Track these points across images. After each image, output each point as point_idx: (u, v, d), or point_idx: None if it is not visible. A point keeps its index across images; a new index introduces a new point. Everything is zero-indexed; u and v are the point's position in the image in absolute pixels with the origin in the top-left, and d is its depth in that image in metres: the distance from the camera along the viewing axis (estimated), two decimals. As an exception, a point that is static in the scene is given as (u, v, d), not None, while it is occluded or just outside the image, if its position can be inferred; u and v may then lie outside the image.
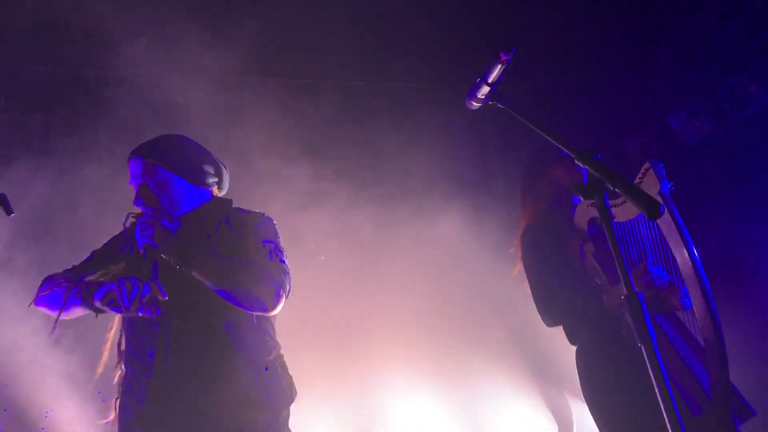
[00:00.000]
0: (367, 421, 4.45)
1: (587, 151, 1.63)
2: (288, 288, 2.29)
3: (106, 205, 3.95)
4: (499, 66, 1.92)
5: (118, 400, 2.30)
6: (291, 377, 2.42)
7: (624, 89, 4.90)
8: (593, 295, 2.49)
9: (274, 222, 2.45)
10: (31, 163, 4.03)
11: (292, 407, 2.39)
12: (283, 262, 2.33)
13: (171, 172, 2.33)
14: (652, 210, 1.45)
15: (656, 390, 1.42)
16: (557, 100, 4.70)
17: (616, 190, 1.53)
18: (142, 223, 2.20)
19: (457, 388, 4.54)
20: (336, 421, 4.36)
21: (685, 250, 2.07)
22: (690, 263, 2.05)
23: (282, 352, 2.43)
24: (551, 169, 2.73)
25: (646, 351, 1.46)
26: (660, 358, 1.43)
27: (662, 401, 1.41)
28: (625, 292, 1.51)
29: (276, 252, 2.33)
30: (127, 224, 2.36)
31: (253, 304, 2.22)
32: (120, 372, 2.33)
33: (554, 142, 1.76)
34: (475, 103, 2.05)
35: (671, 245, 2.14)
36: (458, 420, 4.53)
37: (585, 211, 2.48)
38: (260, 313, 2.28)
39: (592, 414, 2.53)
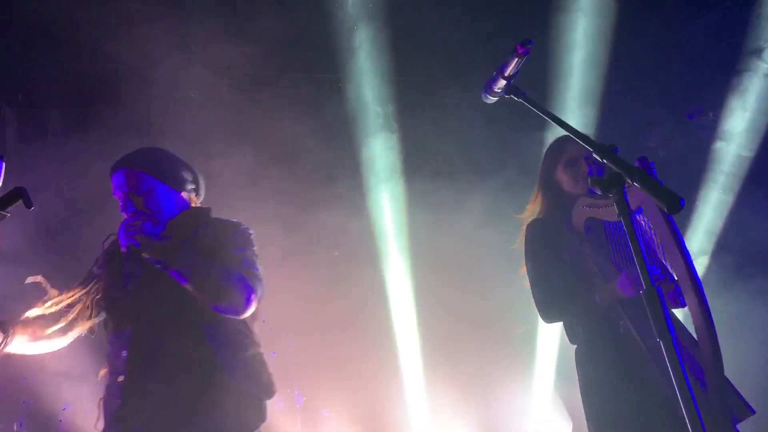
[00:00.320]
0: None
1: (605, 144, 1.61)
2: (260, 294, 2.38)
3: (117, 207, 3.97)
4: (516, 59, 1.91)
5: (102, 400, 2.38)
6: (270, 374, 2.48)
7: (643, 82, 4.85)
8: (590, 295, 2.50)
9: (251, 232, 2.55)
10: (47, 158, 4.07)
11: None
12: (257, 269, 2.43)
13: (155, 179, 2.46)
14: (673, 203, 1.43)
15: (675, 385, 1.41)
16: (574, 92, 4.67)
17: (635, 183, 1.51)
18: (127, 224, 2.29)
19: (471, 383, 4.53)
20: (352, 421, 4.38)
21: (678, 250, 2.06)
22: (682, 262, 2.04)
23: (261, 350, 2.50)
24: (556, 174, 2.73)
25: (664, 345, 1.44)
26: (679, 353, 1.41)
27: (681, 397, 1.40)
28: (644, 289, 1.49)
29: (250, 260, 2.44)
30: (106, 245, 2.50)
31: (225, 306, 2.30)
32: (104, 372, 2.43)
33: (572, 135, 1.74)
34: (491, 97, 2.04)
35: (664, 245, 2.14)
36: (472, 416, 4.52)
37: (582, 212, 2.50)
38: (231, 316, 2.36)
39: (585, 412, 2.54)
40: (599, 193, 1.53)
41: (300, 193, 4.57)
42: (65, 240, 4.06)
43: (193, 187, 2.59)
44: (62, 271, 3.93)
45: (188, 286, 2.26)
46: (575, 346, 2.67)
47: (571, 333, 2.67)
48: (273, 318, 4.41)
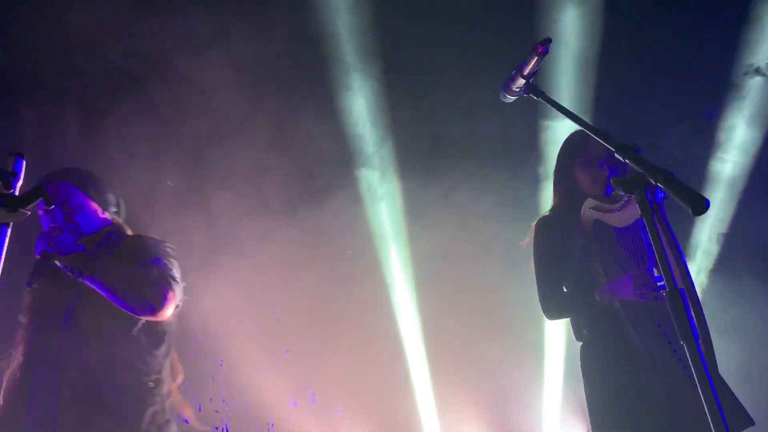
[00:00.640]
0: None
1: (628, 144, 1.60)
2: (178, 296, 2.44)
3: (139, 198, 3.98)
4: (536, 58, 1.90)
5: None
6: (166, 404, 2.52)
7: (662, 82, 4.81)
8: (590, 293, 2.51)
9: (169, 245, 2.66)
10: (65, 157, 4.09)
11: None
12: (174, 275, 2.50)
13: (87, 197, 2.61)
14: (698, 205, 1.41)
15: (699, 389, 1.39)
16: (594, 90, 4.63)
17: (659, 184, 1.49)
18: (46, 233, 2.40)
19: (483, 383, 4.52)
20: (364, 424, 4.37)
21: (676, 259, 2.06)
22: (681, 271, 2.03)
23: (164, 376, 2.53)
24: (573, 171, 2.70)
25: (688, 348, 1.42)
26: (703, 357, 1.39)
27: (705, 401, 1.38)
28: (667, 290, 1.47)
29: (167, 266, 2.52)
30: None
31: (142, 306, 2.37)
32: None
33: (593, 134, 1.73)
34: (509, 96, 2.03)
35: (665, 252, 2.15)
36: (484, 416, 4.50)
37: (590, 213, 2.51)
38: (150, 317, 2.42)
39: (587, 408, 2.55)
40: (621, 193, 1.51)
41: (314, 193, 4.56)
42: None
43: (115, 210, 2.75)
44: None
45: (104, 291, 2.33)
46: (581, 344, 2.66)
47: (576, 331, 2.68)
48: (286, 317, 4.43)
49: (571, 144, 2.74)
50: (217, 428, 4.17)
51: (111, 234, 2.62)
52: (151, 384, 2.46)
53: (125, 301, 2.35)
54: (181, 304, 2.52)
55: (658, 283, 2.33)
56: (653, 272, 2.37)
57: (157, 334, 2.52)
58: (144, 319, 2.45)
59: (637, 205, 2.19)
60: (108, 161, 4.13)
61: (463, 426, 4.49)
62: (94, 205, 2.63)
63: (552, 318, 2.70)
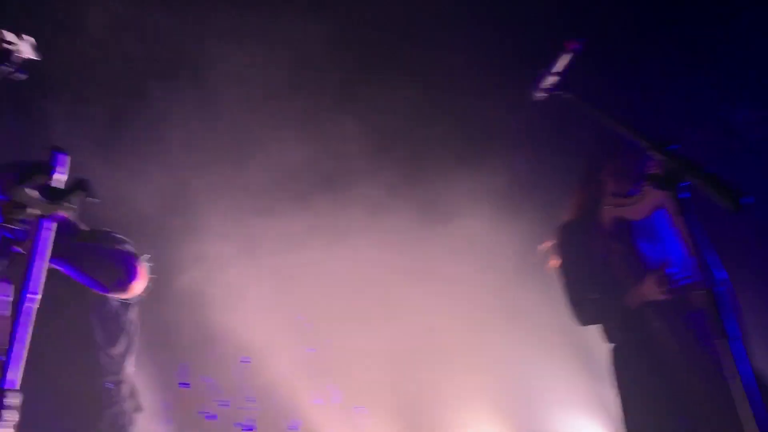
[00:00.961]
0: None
1: (664, 139, 1.58)
2: (145, 273, 2.33)
3: (169, 198, 4.04)
4: (566, 56, 1.90)
5: None
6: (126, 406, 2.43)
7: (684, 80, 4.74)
8: (620, 299, 2.50)
9: (128, 241, 2.53)
10: (97, 156, 4.14)
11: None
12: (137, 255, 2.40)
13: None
14: (736, 203, 1.39)
15: (736, 388, 1.37)
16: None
17: (695, 181, 1.48)
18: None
19: (511, 384, 4.49)
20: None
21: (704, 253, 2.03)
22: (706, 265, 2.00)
23: (123, 378, 2.44)
24: (602, 176, 2.68)
25: (724, 347, 1.40)
26: (742, 355, 1.38)
27: (743, 400, 1.36)
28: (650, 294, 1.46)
29: (131, 248, 2.44)
30: None
31: (111, 279, 2.26)
32: None
33: (626, 132, 1.71)
34: (539, 94, 2.03)
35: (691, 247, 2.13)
36: (511, 417, 4.48)
37: (609, 211, 2.51)
38: (120, 293, 2.32)
39: (620, 414, 2.52)
40: (658, 190, 1.50)
41: (336, 190, 4.57)
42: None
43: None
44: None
45: (70, 269, 2.20)
46: (611, 346, 2.63)
47: (606, 333, 2.65)
48: (310, 314, 4.45)
49: (601, 147, 2.72)
50: (243, 425, 4.21)
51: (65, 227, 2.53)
52: (109, 385, 2.38)
53: (94, 276, 2.24)
54: (150, 285, 2.41)
55: (682, 278, 2.32)
56: (676, 264, 2.36)
57: (111, 333, 2.42)
58: (114, 297, 2.36)
59: (654, 195, 2.20)
60: (134, 158, 4.18)
61: (489, 427, 4.47)
62: None
63: (583, 325, 2.67)
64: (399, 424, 4.41)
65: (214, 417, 4.27)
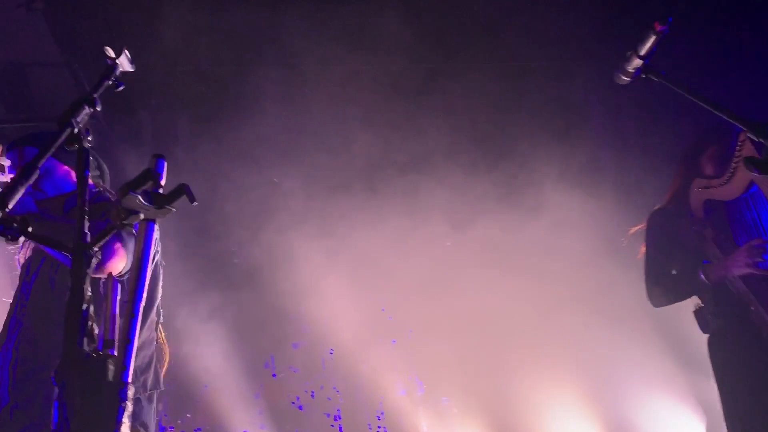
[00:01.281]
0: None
1: (762, 124, 1.51)
2: (129, 247, 2.21)
3: (247, 202, 4.15)
4: (653, 37, 1.84)
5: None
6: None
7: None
8: (695, 275, 2.46)
9: None
10: (178, 161, 4.31)
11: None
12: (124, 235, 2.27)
13: (56, 160, 2.41)
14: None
15: None
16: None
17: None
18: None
19: (598, 381, 4.37)
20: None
21: None
22: None
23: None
24: (704, 156, 2.63)
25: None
26: None
27: None
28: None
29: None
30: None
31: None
32: None
33: (725, 116, 1.65)
34: (625, 77, 1.97)
35: None
36: (598, 415, 4.38)
37: (698, 195, 2.46)
38: (96, 273, 2.16)
39: (723, 410, 2.46)
40: (757, 173, 1.45)
41: (415, 182, 4.58)
42: (190, 239, 4.26)
43: (97, 173, 2.56)
44: (192, 278, 4.21)
45: (48, 248, 2.14)
46: (707, 336, 2.57)
47: (702, 322, 2.59)
48: (392, 307, 4.49)
49: (700, 135, 2.69)
50: (328, 415, 4.31)
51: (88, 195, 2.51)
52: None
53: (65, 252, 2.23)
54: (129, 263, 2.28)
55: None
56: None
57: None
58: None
59: (745, 175, 2.12)
60: (218, 168, 4.31)
61: (577, 426, 4.38)
62: (65, 168, 2.45)
63: (657, 304, 2.65)
64: (482, 416, 4.39)
65: (300, 407, 4.39)
